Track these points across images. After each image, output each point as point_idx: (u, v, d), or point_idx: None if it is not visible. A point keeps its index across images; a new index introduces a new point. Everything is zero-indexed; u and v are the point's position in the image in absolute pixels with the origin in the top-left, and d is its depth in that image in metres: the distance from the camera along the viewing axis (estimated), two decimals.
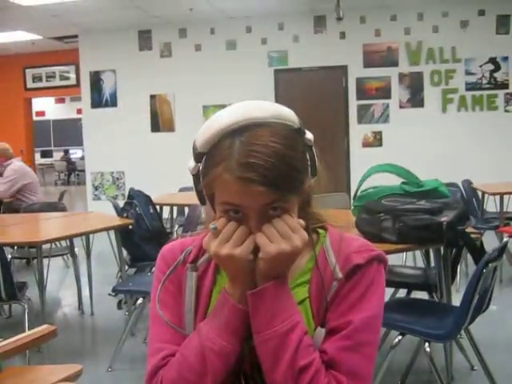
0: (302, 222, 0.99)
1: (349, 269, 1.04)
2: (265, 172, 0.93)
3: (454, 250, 3.06)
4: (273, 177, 0.93)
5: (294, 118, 1.02)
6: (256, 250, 0.98)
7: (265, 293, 0.99)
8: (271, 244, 0.96)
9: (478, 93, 8.46)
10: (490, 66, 8.42)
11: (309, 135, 1.04)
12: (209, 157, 0.99)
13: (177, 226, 5.97)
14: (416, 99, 8.63)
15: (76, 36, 9.75)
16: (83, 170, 11.32)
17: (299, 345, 0.97)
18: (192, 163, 1.03)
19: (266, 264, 0.98)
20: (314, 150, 1.05)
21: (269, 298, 0.99)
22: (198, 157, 1.01)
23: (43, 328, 1.61)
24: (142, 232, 4.32)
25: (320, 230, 1.13)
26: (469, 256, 3.80)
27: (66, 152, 18.89)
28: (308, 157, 1.04)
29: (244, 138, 0.96)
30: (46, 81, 11.81)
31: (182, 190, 6.18)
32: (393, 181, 3.10)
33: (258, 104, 1.01)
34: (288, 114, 1.02)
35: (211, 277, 1.11)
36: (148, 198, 4.59)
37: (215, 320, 1.02)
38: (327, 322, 1.03)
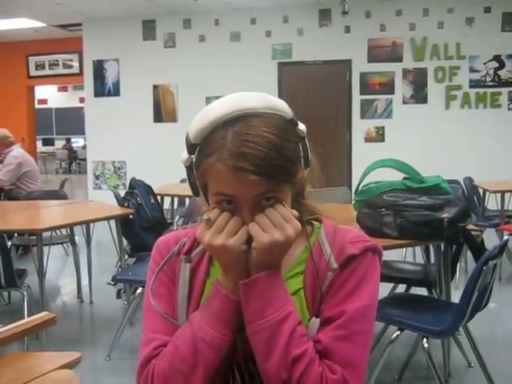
0: (294, 212, 1.00)
1: (344, 259, 1.04)
2: (258, 161, 0.93)
3: (454, 247, 3.06)
4: (266, 166, 0.94)
5: (287, 109, 1.02)
6: (249, 240, 0.98)
7: (257, 283, 0.99)
8: (264, 234, 0.96)
9: (481, 90, 8.44)
10: (495, 64, 8.40)
11: (301, 126, 1.04)
12: (202, 148, 1.00)
13: (177, 217, 5.97)
14: (419, 95, 8.61)
15: (80, 24, 9.73)
16: (85, 159, 11.33)
17: (292, 334, 0.97)
18: (185, 155, 1.03)
19: (259, 254, 0.98)
20: (307, 142, 1.06)
21: (261, 288, 0.99)
22: (191, 148, 1.01)
23: (43, 315, 1.62)
24: (142, 222, 4.32)
25: (314, 222, 1.14)
26: (468, 253, 3.81)
27: (68, 140, 18.88)
28: (301, 148, 1.04)
29: (237, 129, 0.96)
30: (49, 69, 11.79)
31: (183, 180, 6.16)
32: (395, 176, 3.10)
33: (251, 95, 1.02)
34: (280, 104, 1.02)
35: (205, 268, 1.12)
36: (149, 188, 4.59)
37: (207, 311, 1.02)
38: (322, 312, 1.03)
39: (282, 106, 1.02)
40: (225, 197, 0.98)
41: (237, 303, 1.01)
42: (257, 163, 0.93)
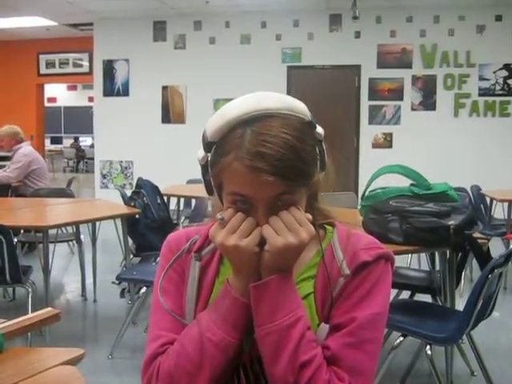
0: (309, 215, 0.99)
1: (356, 265, 1.03)
2: (275, 162, 0.93)
3: (459, 255, 3.04)
4: (282, 167, 0.93)
5: (306, 111, 1.02)
6: (262, 242, 0.97)
7: (268, 286, 0.98)
8: (278, 236, 0.96)
9: (490, 99, 8.41)
10: (504, 73, 8.37)
11: (319, 129, 1.04)
12: (219, 146, 0.99)
13: (183, 218, 5.98)
14: (428, 102, 8.59)
15: (91, 24, 9.76)
16: (92, 158, 11.35)
17: (301, 339, 0.96)
18: (201, 153, 1.02)
19: (271, 257, 0.97)
20: (324, 145, 1.05)
21: (272, 291, 0.98)
22: (207, 146, 1.01)
23: (47, 311, 1.62)
24: (148, 222, 4.33)
25: (327, 227, 1.13)
26: (474, 261, 3.80)
27: (76, 139, 18.93)
28: (317, 151, 1.03)
29: (255, 128, 0.96)
30: (59, 67, 11.84)
31: (189, 181, 6.19)
32: (402, 182, 3.09)
33: (270, 95, 1.01)
34: (300, 106, 1.01)
35: (215, 267, 1.11)
36: (156, 188, 4.59)
37: (216, 311, 1.02)
38: (331, 317, 1.02)
39: (301, 108, 1.01)
40: (240, 197, 0.98)
41: (246, 305, 1.00)
42: (274, 164, 0.93)
